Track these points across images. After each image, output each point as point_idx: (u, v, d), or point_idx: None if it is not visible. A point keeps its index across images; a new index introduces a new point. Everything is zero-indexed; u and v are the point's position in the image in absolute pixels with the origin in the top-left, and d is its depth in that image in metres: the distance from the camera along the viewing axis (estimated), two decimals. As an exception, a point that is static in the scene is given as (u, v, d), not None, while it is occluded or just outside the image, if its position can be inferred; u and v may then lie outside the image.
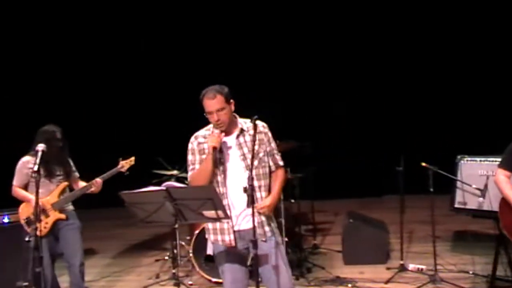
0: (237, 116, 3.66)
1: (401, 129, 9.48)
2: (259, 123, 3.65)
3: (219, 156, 3.51)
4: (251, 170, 3.41)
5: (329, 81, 9.69)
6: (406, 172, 5.40)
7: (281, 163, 3.79)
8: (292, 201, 6.22)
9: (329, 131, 9.64)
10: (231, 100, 3.58)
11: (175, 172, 6.56)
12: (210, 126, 3.64)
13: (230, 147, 3.61)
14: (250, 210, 3.40)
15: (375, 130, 9.82)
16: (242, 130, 3.62)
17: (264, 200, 3.57)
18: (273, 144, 3.74)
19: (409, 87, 9.57)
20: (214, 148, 3.46)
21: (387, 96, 9.72)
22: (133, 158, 5.13)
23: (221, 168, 3.56)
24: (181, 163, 6.03)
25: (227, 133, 3.61)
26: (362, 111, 9.89)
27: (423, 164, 5.14)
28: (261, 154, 3.62)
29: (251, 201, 3.34)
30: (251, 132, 3.56)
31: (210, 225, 3.70)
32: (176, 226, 5.23)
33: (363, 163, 9.47)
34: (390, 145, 9.00)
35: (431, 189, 5.17)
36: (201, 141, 3.64)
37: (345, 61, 9.75)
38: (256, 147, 3.56)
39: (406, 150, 5.60)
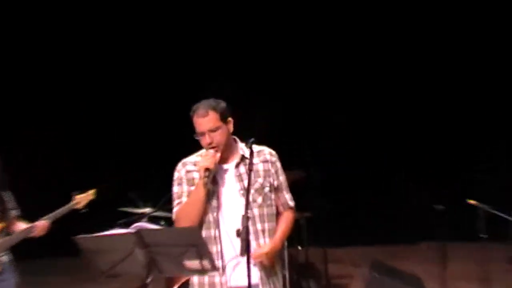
0: (237, 139, 3.74)
1: (442, 157, 9.57)
2: (266, 150, 3.76)
3: (212, 188, 3.56)
4: (246, 207, 3.42)
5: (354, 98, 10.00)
6: (449, 211, 5.51)
7: (291, 203, 3.86)
8: (299, 248, 6.34)
9: (344, 155, 9.61)
10: (229, 118, 3.65)
11: (148, 210, 6.47)
12: (203, 151, 3.69)
13: (227, 178, 3.66)
14: (244, 259, 3.43)
15: (407, 153, 9.80)
16: (243, 158, 3.68)
17: (262, 246, 3.63)
18: (282, 178, 3.82)
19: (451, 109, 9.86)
20: (207, 170, 3.51)
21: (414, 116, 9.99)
22: (92, 192, 5.18)
23: (214, 203, 3.61)
24: (157, 199, 6.13)
25: (224, 160, 3.68)
26: (390, 131, 10.03)
27: (472, 201, 5.17)
28: (266, 189, 3.70)
29: (246, 248, 3.37)
30: (256, 160, 3.65)
31: (195, 279, 3.73)
32: (149, 280, 5.03)
33: (391, 198, 9.35)
34: (427, 175, 8.98)
35: (484, 235, 5.18)
36: (190, 169, 3.70)
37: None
38: (261, 180, 3.65)
39: (448, 183, 5.90)
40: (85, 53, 10.07)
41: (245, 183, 3.65)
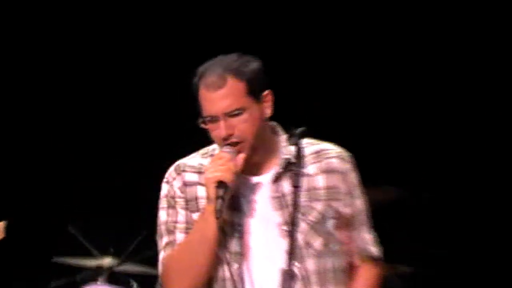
0: (279, 130, 2.99)
1: None
2: (331, 151, 2.99)
3: (231, 219, 2.88)
4: (291, 255, 2.72)
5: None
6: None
7: (374, 250, 3.06)
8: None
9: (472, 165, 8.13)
10: (265, 92, 2.87)
11: (107, 261, 5.39)
12: (212, 148, 2.98)
13: (258, 203, 2.92)
14: None
15: None
16: (288, 165, 2.92)
17: None
18: (361, 204, 3.03)
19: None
20: (222, 186, 2.74)
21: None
22: (1, 225, 4.16)
23: (234, 248, 2.91)
24: (124, 242, 5.39)
25: (254, 169, 2.92)
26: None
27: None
28: (330, 224, 2.93)
29: None
30: (313, 168, 2.91)
31: None
32: None
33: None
34: None
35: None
36: (191, 180, 2.98)
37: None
38: (320, 206, 2.88)
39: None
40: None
41: (290, 212, 2.95)
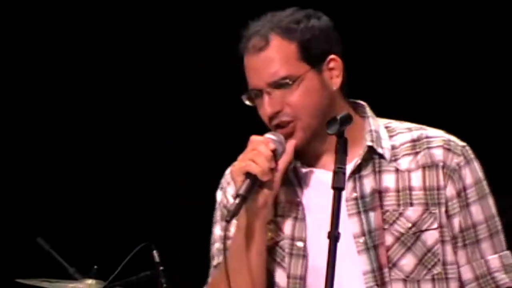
0: (366, 111, 2.60)
1: None
2: (435, 139, 2.54)
3: (289, 230, 2.59)
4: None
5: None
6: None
7: (503, 278, 2.48)
8: None
9: None
10: (330, 57, 2.50)
11: (89, 281, 4.64)
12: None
13: (326, 204, 2.39)
14: None
15: None
16: (372, 152, 2.52)
17: None
18: (480, 210, 2.48)
19: None
20: (249, 178, 2.38)
21: None
22: None
23: (293, 266, 2.55)
24: (106, 259, 4.71)
25: (321, 161, 2.55)
26: None
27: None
28: (427, 238, 2.49)
29: None
30: (402, 162, 2.53)
31: None
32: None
33: None
34: None
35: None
36: None
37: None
38: (412, 213, 2.48)
39: None
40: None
41: (372, 219, 2.50)
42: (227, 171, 2.65)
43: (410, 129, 2.52)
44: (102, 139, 8.02)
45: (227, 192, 2.62)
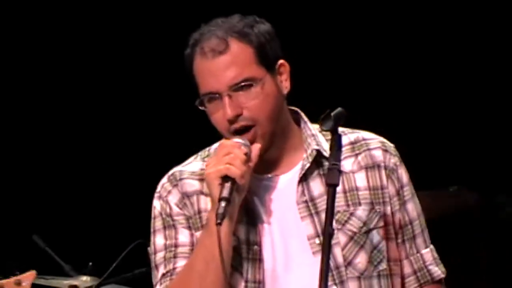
0: (303, 115, 2.62)
1: None
2: (372, 141, 2.63)
3: (244, 234, 2.56)
4: (325, 278, 2.28)
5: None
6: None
7: (435, 270, 2.61)
8: None
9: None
10: (280, 61, 2.51)
11: (84, 278, 4.78)
12: (215, 147, 2.62)
13: (281, 209, 2.55)
14: None
15: None
16: (319, 157, 2.54)
17: None
18: (413, 207, 2.61)
19: None
20: (226, 181, 2.36)
21: None
22: None
23: (250, 270, 2.56)
24: (101, 256, 5.07)
25: (272, 164, 2.54)
26: None
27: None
28: (375, 236, 2.55)
29: None
30: (349, 163, 2.57)
31: None
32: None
33: None
34: None
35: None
36: (190, 189, 2.62)
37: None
38: (361, 212, 2.55)
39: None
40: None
41: (322, 217, 2.51)
42: (163, 180, 2.67)
43: (344, 133, 2.57)
44: (97, 137, 8.07)
45: (169, 201, 2.62)
